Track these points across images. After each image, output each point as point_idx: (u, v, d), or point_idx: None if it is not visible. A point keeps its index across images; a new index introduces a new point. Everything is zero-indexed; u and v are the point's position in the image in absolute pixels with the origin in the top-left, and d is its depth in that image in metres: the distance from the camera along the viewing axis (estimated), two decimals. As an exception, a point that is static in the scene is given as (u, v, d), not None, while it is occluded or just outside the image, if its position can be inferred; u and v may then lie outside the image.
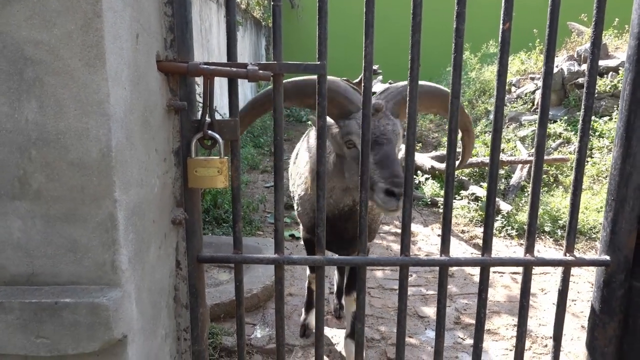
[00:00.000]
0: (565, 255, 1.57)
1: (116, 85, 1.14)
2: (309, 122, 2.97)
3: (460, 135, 2.46)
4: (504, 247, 5.06)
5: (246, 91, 11.04)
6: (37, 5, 1.06)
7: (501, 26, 1.45)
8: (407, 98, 1.51)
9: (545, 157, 6.03)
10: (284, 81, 1.62)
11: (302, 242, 3.11)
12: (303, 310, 3.41)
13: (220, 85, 6.34)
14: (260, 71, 1.43)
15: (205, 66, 1.41)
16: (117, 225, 1.18)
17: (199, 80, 1.53)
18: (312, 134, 2.81)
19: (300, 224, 2.99)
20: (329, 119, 2.13)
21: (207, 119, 1.46)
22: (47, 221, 1.17)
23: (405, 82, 2.12)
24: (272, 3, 1.44)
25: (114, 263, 1.19)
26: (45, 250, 1.19)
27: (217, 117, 1.50)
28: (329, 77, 1.98)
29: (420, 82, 2.12)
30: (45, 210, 1.16)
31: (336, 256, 2.67)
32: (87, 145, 1.13)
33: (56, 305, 1.15)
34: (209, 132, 1.46)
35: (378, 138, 1.99)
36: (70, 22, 1.07)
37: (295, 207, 2.92)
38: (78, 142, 1.13)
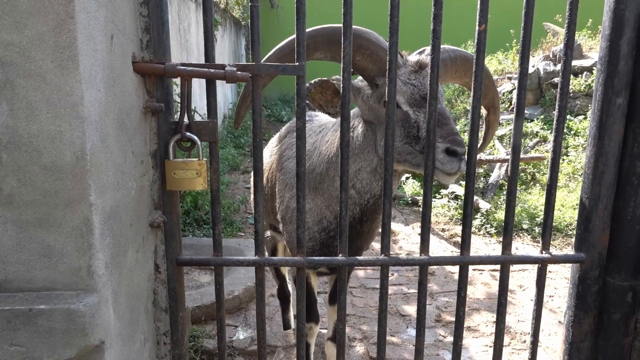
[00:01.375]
0: (542, 253, 1.60)
1: (90, 87, 1.12)
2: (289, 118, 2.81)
3: (484, 113, 2.25)
4: (484, 244, 5.14)
5: (226, 91, 10.96)
6: (7, 6, 1.03)
7: (477, 27, 1.47)
8: (387, 98, 1.51)
9: (523, 156, 6.14)
10: (309, 29, 1.55)
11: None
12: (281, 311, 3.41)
13: (200, 85, 6.28)
14: (239, 72, 1.42)
15: (183, 67, 1.39)
16: (93, 229, 1.15)
17: (178, 80, 1.52)
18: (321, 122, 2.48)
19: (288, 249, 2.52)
20: (358, 83, 1.97)
21: (185, 120, 1.45)
22: (19, 226, 1.14)
23: (447, 46, 1.97)
24: (249, 4, 1.44)
25: (90, 268, 1.17)
26: (18, 256, 1.16)
27: (197, 118, 1.49)
28: (365, 29, 1.85)
29: (453, 47, 2.01)
30: (18, 215, 1.14)
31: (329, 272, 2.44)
32: (61, 149, 1.11)
33: (30, 312, 1.13)
34: (187, 133, 1.45)
35: (427, 96, 1.74)
36: (41, 24, 1.05)
37: (282, 226, 2.42)
38: (51, 145, 1.10)
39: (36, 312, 1.13)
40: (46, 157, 1.11)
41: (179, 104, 1.47)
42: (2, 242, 1.15)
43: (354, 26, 1.80)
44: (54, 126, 1.10)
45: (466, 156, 1.56)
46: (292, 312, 3.44)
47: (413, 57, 1.95)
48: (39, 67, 1.07)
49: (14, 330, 1.13)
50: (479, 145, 2.34)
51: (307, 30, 1.82)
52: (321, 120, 2.59)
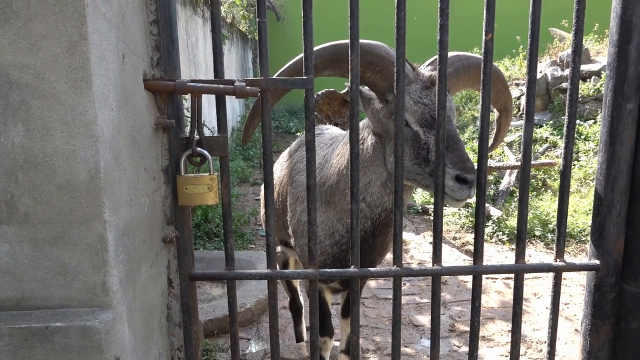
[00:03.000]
0: (556, 260, 1.59)
1: (103, 106, 1.14)
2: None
3: (496, 115, 2.25)
4: (496, 252, 5.09)
5: (234, 104, 11.04)
6: (22, 29, 1.06)
7: (484, 37, 1.47)
8: (395, 110, 1.52)
9: (533, 162, 6.10)
10: (316, 48, 1.57)
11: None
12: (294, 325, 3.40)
13: (209, 100, 6.33)
14: (248, 87, 1.44)
15: (193, 84, 1.41)
16: (107, 246, 1.17)
17: (187, 96, 1.54)
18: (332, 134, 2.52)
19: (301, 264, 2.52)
20: (369, 92, 1.96)
21: (196, 135, 1.46)
22: (35, 245, 1.16)
23: (456, 52, 1.95)
24: (257, 19, 1.45)
25: (104, 285, 1.18)
26: (34, 274, 1.17)
27: (206, 131, 1.50)
28: (375, 43, 1.83)
29: (467, 55, 1.99)
30: (34, 233, 1.15)
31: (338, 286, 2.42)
32: (75, 167, 1.12)
33: (47, 329, 1.14)
34: (198, 149, 1.46)
35: (431, 115, 1.76)
36: (55, 45, 1.07)
37: (294, 240, 2.42)
38: (66, 164, 1.12)
39: (52, 330, 1.14)
40: (61, 176, 1.13)
41: (188, 119, 1.49)
42: (19, 260, 1.16)
43: (364, 41, 1.79)
44: (68, 145, 1.11)
45: (476, 181, 1.56)
46: (304, 325, 3.43)
47: (425, 71, 1.91)
48: (54, 88, 1.09)
49: (30, 348, 1.14)
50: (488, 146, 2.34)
51: (314, 49, 1.82)
52: (332, 133, 2.60)
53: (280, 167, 2.67)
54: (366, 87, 2.00)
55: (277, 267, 1.63)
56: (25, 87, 1.08)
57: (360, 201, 1.99)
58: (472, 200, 1.77)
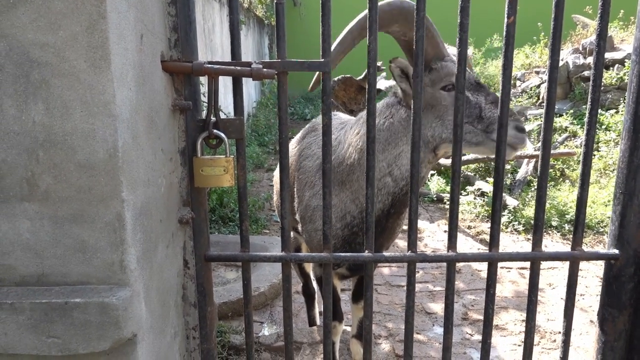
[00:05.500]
0: (574, 249, 1.57)
1: (122, 86, 1.14)
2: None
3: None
4: (511, 242, 5.05)
5: (250, 90, 11.04)
6: (42, 7, 1.06)
7: (506, 20, 1.44)
8: (412, 95, 1.50)
9: (552, 151, 6.01)
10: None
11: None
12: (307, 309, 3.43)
13: (224, 84, 6.34)
14: (265, 69, 1.43)
15: (210, 65, 1.41)
16: (125, 225, 1.18)
17: (203, 79, 1.54)
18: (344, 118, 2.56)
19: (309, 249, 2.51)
20: (405, 61, 1.98)
21: (212, 118, 1.47)
22: (55, 222, 1.18)
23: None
24: (275, 1, 1.44)
25: (122, 263, 1.20)
26: (54, 251, 1.19)
27: (221, 116, 1.50)
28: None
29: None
30: (54, 211, 1.17)
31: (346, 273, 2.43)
32: (94, 146, 1.14)
33: (66, 305, 1.16)
34: (215, 131, 1.46)
35: (480, 81, 1.94)
36: (75, 24, 1.08)
37: (302, 226, 2.41)
38: (85, 143, 1.13)
39: (72, 305, 1.16)
40: (80, 155, 1.14)
41: (204, 104, 1.49)
42: (39, 237, 1.18)
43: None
44: (87, 124, 1.12)
45: (494, 165, 1.55)
46: (317, 309, 3.45)
47: (452, 50, 2.00)
48: (73, 66, 1.10)
49: (51, 323, 1.17)
50: None
51: (383, 2, 1.81)
52: (342, 118, 2.60)
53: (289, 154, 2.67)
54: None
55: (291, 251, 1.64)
56: (45, 66, 1.09)
57: (387, 175, 2.00)
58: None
